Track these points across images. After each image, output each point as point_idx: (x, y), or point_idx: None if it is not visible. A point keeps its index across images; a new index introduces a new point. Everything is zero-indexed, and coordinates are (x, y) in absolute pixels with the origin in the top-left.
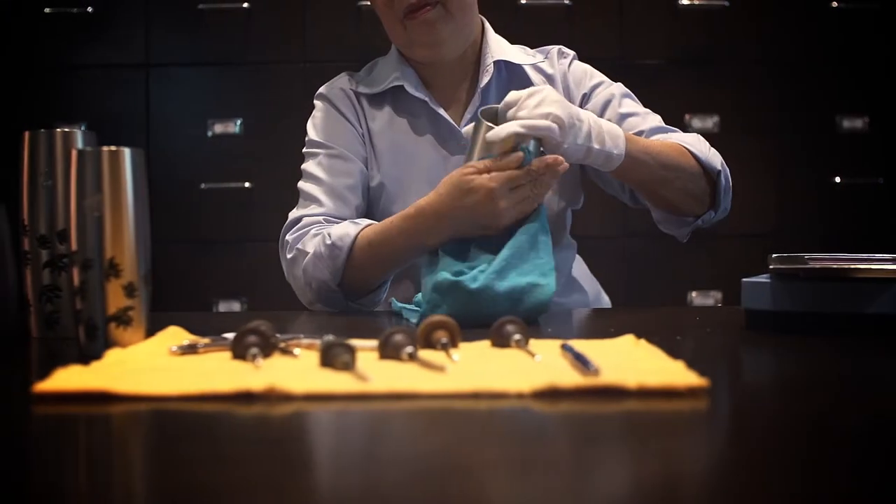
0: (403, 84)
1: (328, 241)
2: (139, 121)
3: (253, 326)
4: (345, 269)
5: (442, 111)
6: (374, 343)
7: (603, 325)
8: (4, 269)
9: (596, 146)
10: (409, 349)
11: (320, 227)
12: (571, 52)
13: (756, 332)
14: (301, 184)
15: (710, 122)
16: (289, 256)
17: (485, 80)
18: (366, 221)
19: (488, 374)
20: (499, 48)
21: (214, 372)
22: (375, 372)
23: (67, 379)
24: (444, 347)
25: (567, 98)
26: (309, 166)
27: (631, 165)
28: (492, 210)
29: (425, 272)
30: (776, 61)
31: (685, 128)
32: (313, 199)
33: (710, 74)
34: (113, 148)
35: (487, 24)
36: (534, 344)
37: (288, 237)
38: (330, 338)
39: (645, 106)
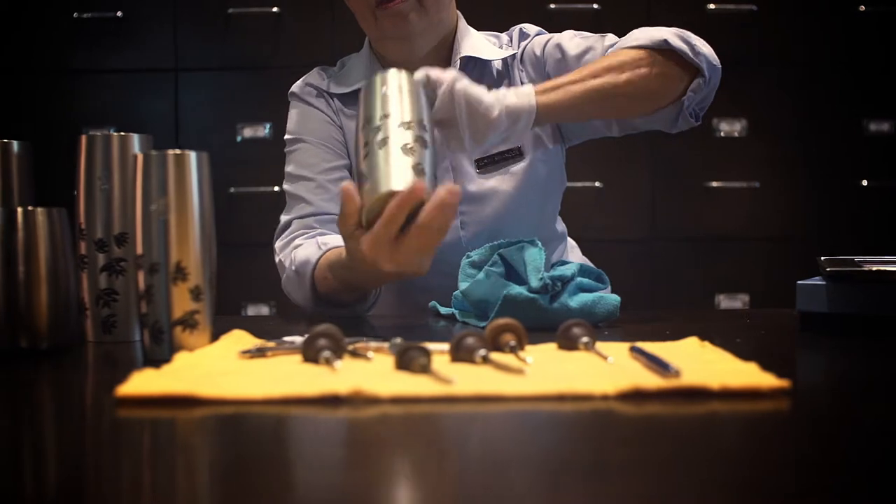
0: None
1: (293, 267)
2: (168, 125)
3: (323, 329)
4: (314, 289)
5: None
6: (444, 346)
7: (655, 328)
8: (66, 273)
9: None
10: (483, 352)
11: (306, 233)
12: (532, 32)
13: (811, 335)
14: (285, 185)
15: (738, 125)
16: (276, 262)
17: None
18: (332, 241)
19: (566, 376)
20: (470, 44)
21: (292, 375)
22: (453, 375)
23: (148, 382)
24: (513, 350)
25: (536, 81)
26: (290, 166)
27: (559, 109)
28: (390, 272)
29: (469, 277)
30: (804, 64)
31: (712, 132)
32: (299, 199)
33: (738, 78)
34: (178, 151)
35: (462, 19)
36: (600, 346)
37: (276, 244)
38: (398, 341)
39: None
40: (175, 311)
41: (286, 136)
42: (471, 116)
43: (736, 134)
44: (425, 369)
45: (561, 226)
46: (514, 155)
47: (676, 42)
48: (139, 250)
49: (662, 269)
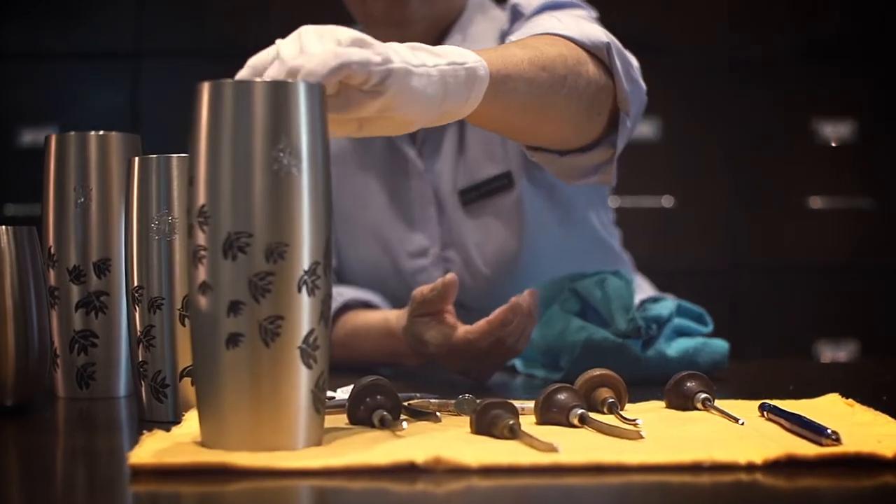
0: None
1: None
2: (124, 123)
3: (372, 383)
4: None
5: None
6: (528, 403)
7: (772, 382)
8: (39, 310)
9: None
10: (579, 411)
11: None
12: (527, 11)
13: None
14: None
15: (845, 127)
16: None
17: None
18: (347, 292)
19: (694, 441)
20: (474, 30)
21: (348, 440)
22: (549, 439)
23: (166, 448)
24: (612, 409)
25: None
26: None
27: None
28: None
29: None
30: None
31: (811, 136)
32: None
33: (844, 68)
34: (182, 155)
35: None
36: (720, 404)
37: None
38: (468, 397)
39: (760, 108)
40: (183, 359)
41: None
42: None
43: (842, 139)
44: (514, 433)
45: (625, 255)
46: (503, 184)
47: (615, 50)
48: (135, 281)
49: (746, 307)
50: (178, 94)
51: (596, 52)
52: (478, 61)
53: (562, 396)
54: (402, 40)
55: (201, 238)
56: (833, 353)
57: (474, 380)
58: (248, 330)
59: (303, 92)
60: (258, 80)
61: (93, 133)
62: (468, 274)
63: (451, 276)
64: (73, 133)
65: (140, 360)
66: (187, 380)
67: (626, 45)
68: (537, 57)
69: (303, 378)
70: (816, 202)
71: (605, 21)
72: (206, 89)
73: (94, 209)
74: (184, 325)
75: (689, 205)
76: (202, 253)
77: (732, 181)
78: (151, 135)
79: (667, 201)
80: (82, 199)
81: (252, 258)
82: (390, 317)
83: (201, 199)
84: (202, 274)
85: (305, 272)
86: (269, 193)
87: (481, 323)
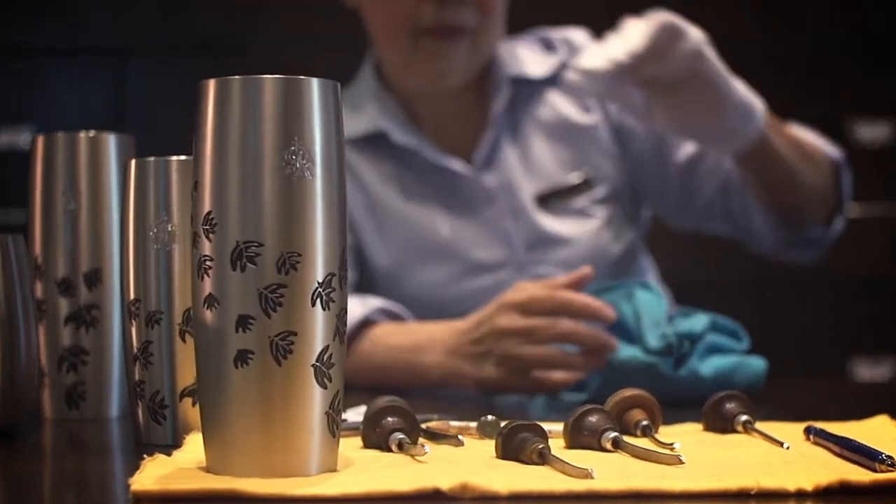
0: (387, 132)
1: None
2: (108, 124)
3: (388, 404)
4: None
5: (446, 160)
6: (555, 426)
7: (811, 403)
8: (26, 324)
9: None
10: (612, 434)
11: None
12: (579, 41)
13: None
14: None
15: (882, 129)
16: None
17: (499, 102)
18: (375, 303)
19: (735, 465)
20: (512, 56)
21: (364, 465)
22: (582, 464)
23: (170, 474)
24: (646, 431)
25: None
26: None
27: (767, 145)
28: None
29: None
30: None
31: (846, 139)
32: None
33: (881, 67)
34: (182, 158)
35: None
36: (761, 426)
37: None
38: (491, 418)
39: (791, 107)
40: (183, 378)
41: None
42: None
43: (879, 142)
44: (544, 458)
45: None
46: (584, 187)
47: (845, 166)
48: (132, 294)
49: (772, 321)
50: (166, 93)
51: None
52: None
53: (593, 419)
54: (442, 85)
55: (207, 247)
56: (869, 370)
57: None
58: (258, 346)
59: (316, 89)
60: (268, 76)
61: (83, 133)
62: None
63: (587, 268)
64: (61, 133)
65: (136, 378)
66: (188, 400)
67: None
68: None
69: (317, 398)
70: (852, 209)
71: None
72: (211, 87)
73: (84, 216)
74: (184, 341)
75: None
76: (208, 264)
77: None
78: (137, 136)
79: None
80: (72, 205)
81: (262, 269)
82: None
83: (207, 205)
84: (208, 286)
85: (320, 284)
86: (281, 199)
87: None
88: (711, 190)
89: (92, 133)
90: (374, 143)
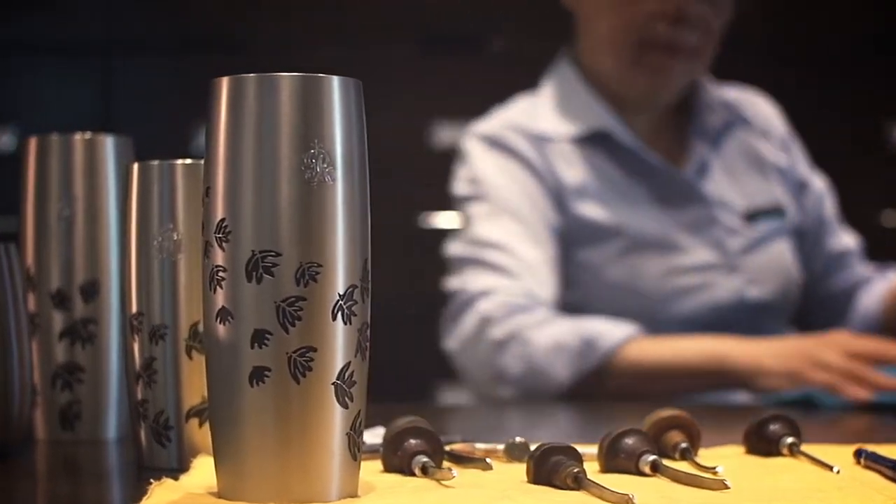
0: (612, 133)
1: (584, 336)
2: (94, 126)
3: (409, 424)
4: (592, 373)
5: (660, 161)
6: (589, 448)
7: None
8: (19, 339)
9: None
10: (651, 457)
11: (537, 309)
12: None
13: None
14: (475, 249)
15: None
16: (496, 338)
17: (712, 119)
18: (628, 328)
19: (783, 491)
20: (712, 81)
21: (387, 490)
22: (621, 489)
23: (178, 501)
24: (686, 454)
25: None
26: (487, 228)
27: None
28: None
29: None
30: None
31: (884, 142)
32: (504, 272)
33: None
34: (189, 161)
35: None
36: (808, 449)
37: (489, 313)
38: (519, 440)
39: (825, 109)
40: (189, 397)
41: (479, 188)
42: None
43: None
44: (579, 482)
45: None
46: (780, 213)
47: None
48: (134, 307)
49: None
50: (156, 92)
51: None
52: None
53: (629, 441)
54: (661, 94)
55: (220, 257)
56: None
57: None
58: (274, 363)
59: (337, 87)
60: (285, 74)
61: (79, 135)
62: (740, 297)
63: None
64: (55, 136)
65: (139, 398)
66: (194, 421)
67: None
68: None
69: (337, 419)
70: (891, 218)
71: None
72: (224, 85)
73: (79, 223)
74: (190, 357)
75: None
76: (221, 275)
77: None
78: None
79: None
80: (66, 212)
81: (280, 281)
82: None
83: (220, 212)
84: (221, 299)
85: (341, 297)
86: (300, 205)
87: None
88: (837, 286)
89: (88, 135)
90: (593, 142)
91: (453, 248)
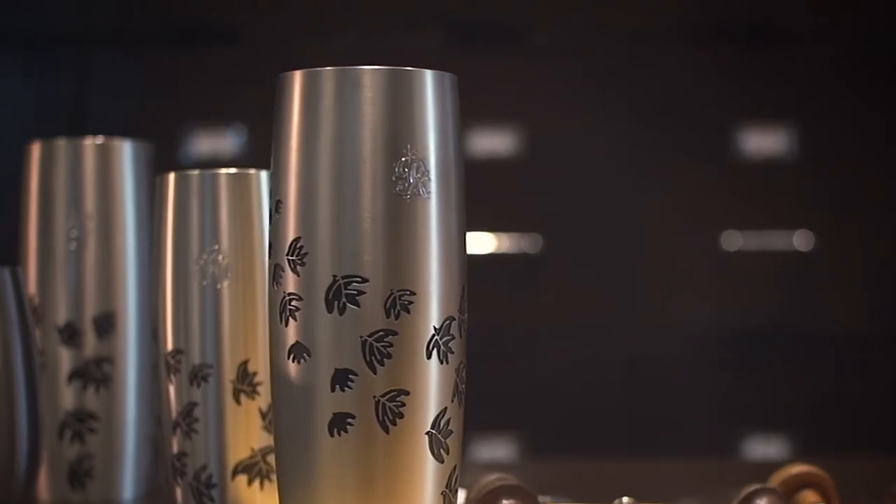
0: None
1: None
2: (63, 126)
3: (501, 483)
4: None
5: None
6: None
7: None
8: (28, 383)
9: None
10: None
11: None
12: None
13: None
14: None
15: None
16: None
17: None
18: None
19: None
20: None
21: None
22: None
23: None
24: None
25: None
26: None
27: None
28: None
29: None
30: None
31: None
32: None
33: None
34: (233, 171)
35: None
36: None
37: None
38: (627, 500)
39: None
40: (236, 449)
41: None
42: None
43: None
44: None
45: None
46: None
47: None
48: (170, 344)
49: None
50: (138, 92)
51: None
52: None
53: (762, 501)
54: None
55: (293, 283)
56: (764, 450)
57: None
58: (359, 409)
59: (430, 83)
60: (368, 67)
61: (90, 140)
62: None
63: None
64: (62, 140)
65: (176, 450)
66: (242, 478)
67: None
68: None
69: (431, 474)
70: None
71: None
72: (297, 80)
73: (91, 245)
74: (238, 402)
75: (831, 245)
76: (295, 304)
77: (876, 219)
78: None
79: (801, 240)
80: (76, 232)
81: (366, 312)
82: None
83: (293, 230)
84: (295, 333)
85: (437, 331)
86: (390, 223)
87: None
88: None
89: (100, 139)
90: None
91: None
